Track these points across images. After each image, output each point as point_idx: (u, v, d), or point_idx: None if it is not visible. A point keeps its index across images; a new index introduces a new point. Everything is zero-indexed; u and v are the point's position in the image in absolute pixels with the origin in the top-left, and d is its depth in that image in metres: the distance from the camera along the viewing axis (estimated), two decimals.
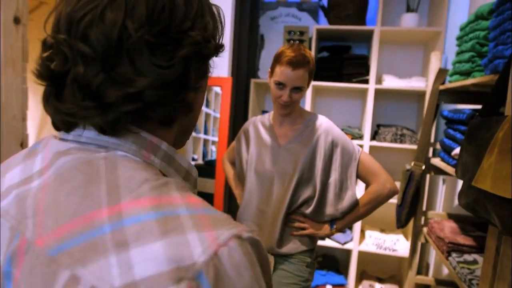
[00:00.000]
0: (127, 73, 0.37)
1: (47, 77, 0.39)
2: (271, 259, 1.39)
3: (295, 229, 1.38)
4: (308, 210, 1.36)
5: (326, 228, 1.39)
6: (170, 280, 0.30)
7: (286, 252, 1.37)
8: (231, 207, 2.45)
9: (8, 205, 0.40)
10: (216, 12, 0.47)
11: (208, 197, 2.32)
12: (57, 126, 0.43)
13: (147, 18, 0.38)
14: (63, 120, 0.41)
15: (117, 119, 0.39)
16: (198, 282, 0.31)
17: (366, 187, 1.40)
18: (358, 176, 1.38)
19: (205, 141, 3.00)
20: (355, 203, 1.36)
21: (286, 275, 1.37)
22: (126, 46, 0.37)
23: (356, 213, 1.37)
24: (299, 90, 1.32)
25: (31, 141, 1.27)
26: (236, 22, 2.35)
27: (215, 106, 2.93)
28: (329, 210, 1.36)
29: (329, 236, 1.40)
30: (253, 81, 2.64)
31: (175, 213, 0.34)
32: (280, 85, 1.31)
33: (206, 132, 2.98)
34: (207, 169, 2.76)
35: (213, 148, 3.05)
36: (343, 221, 1.38)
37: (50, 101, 0.40)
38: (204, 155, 3.01)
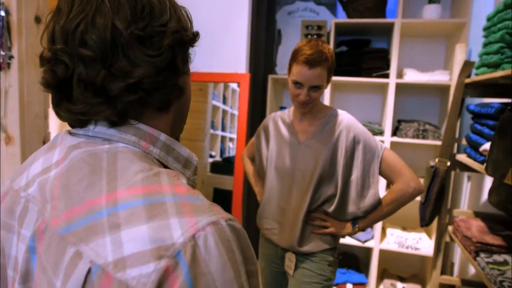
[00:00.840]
0: (124, 66, 0.43)
1: (54, 85, 0.45)
2: (293, 257, 1.37)
3: (317, 227, 1.35)
4: (331, 209, 1.33)
5: (348, 227, 1.35)
6: (152, 256, 0.35)
7: (307, 251, 1.34)
8: (250, 204, 2.44)
9: (34, 191, 0.47)
10: (182, 9, 0.53)
11: (226, 194, 2.31)
12: (72, 125, 0.49)
13: (132, 17, 0.44)
14: (77, 119, 0.46)
15: (125, 109, 0.45)
16: (176, 260, 0.35)
17: (388, 186, 1.36)
18: (381, 174, 1.33)
19: (223, 138, 3.00)
20: (378, 202, 1.31)
21: (308, 274, 1.35)
22: (119, 43, 0.43)
23: (379, 212, 1.32)
24: (317, 88, 1.28)
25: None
26: (253, 17, 2.32)
27: (232, 103, 2.92)
28: (351, 208, 1.33)
29: (351, 235, 1.37)
30: (270, 77, 2.61)
31: (162, 200, 0.39)
32: (297, 84, 1.28)
33: (223, 129, 2.97)
34: (225, 166, 2.75)
35: (231, 145, 3.04)
36: (366, 220, 1.34)
37: (63, 105, 0.46)
38: (222, 152, 3.01)
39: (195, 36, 0.52)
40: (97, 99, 0.43)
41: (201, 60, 2.33)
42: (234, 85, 2.72)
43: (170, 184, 0.41)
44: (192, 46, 0.52)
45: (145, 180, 0.41)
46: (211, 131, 2.89)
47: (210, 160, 2.83)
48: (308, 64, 1.23)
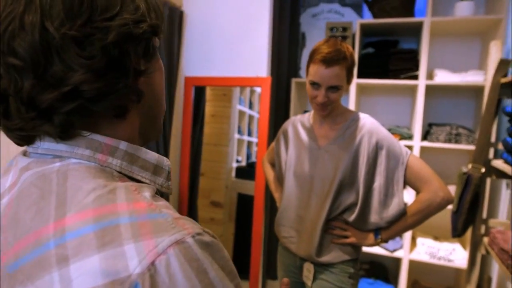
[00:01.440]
0: (58, 72, 0.37)
1: None
2: (311, 268, 1.31)
3: (336, 236, 1.29)
4: (351, 218, 1.26)
5: (370, 237, 1.28)
6: None
7: (327, 261, 1.28)
8: (273, 209, 2.39)
9: None
10: None
11: (250, 199, 2.27)
12: (17, 143, 0.43)
13: (66, 15, 0.36)
14: (18, 136, 0.41)
15: (65, 122, 0.38)
16: None
17: (416, 194, 1.27)
18: (407, 182, 1.25)
19: (249, 143, 2.98)
20: (402, 212, 1.23)
21: (326, 286, 1.28)
22: (53, 46, 0.36)
23: (403, 223, 1.23)
24: (336, 89, 1.21)
25: None
26: (275, 21, 2.29)
27: (259, 108, 2.90)
28: (373, 218, 1.25)
29: (373, 246, 1.29)
30: (294, 80, 2.57)
31: (116, 223, 0.34)
32: (314, 85, 1.22)
33: (249, 134, 2.95)
34: (249, 171, 2.72)
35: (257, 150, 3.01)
36: (389, 231, 1.26)
37: (2, 122, 0.40)
38: (248, 157, 2.98)
39: (154, 28, 0.43)
40: (30, 113, 0.38)
41: (222, 64, 2.32)
42: (260, 90, 2.70)
43: (128, 201, 0.36)
44: (157, 36, 0.45)
45: (97, 201, 0.36)
46: (238, 136, 2.88)
47: (235, 165, 2.82)
48: (325, 63, 1.17)
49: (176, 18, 2.17)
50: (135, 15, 0.40)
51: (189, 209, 2.46)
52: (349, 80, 1.25)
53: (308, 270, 1.31)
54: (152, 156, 0.46)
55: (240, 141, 2.91)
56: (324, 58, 1.17)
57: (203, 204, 2.63)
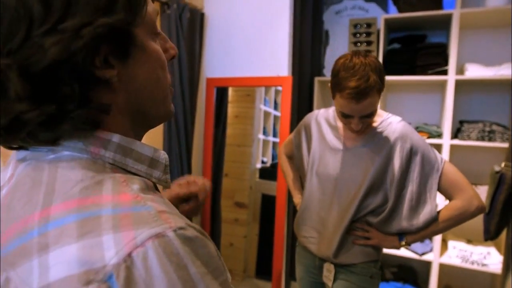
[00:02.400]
0: (5, 102, 0.35)
1: None
2: (331, 268, 1.28)
3: (358, 237, 1.25)
4: (375, 220, 1.22)
5: (394, 239, 1.23)
6: (80, 282, 0.30)
7: (348, 262, 1.25)
8: (296, 209, 2.36)
9: None
10: None
11: (274, 200, 2.26)
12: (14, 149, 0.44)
13: (5, 39, 0.34)
14: (8, 148, 0.42)
15: (43, 137, 0.38)
16: (108, 284, 0.30)
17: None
18: (440, 189, 1.20)
19: (274, 144, 2.96)
20: (433, 220, 1.18)
21: (348, 286, 1.25)
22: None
23: (433, 228, 1.20)
24: (370, 115, 1.16)
25: None
26: (297, 19, 2.26)
27: None
28: (401, 224, 1.20)
29: (396, 249, 1.24)
30: (317, 79, 2.53)
31: (98, 214, 0.34)
32: (346, 116, 1.17)
33: (275, 135, 2.94)
34: (273, 171, 2.71)
35: None
36: (416, 235, 1.21)
37: None
38: (274, 157, 2.97)
39: (112, 25, 0.37)
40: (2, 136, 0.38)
41: (243, 65, 2.32)
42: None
43: (114, 192, 0.36)
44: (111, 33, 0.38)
45: (83, 191, 0.35)
46: (263, 137, 2.87)
47: (259, 166, 2.81)
48: (356, 99, 1.09)
49: (197, 20, 2.20)
50: (80, 17, 0.35)
51: (212, 209, 2.48)
52: (380, 95, 1.15)
53: (328, 270, 1.28)
54: (148, 149, 0.45)
55: (265, 142, 2.90)
56: (353, 95, 1.08)
57: (227, 204, 2.64)
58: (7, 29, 0.34)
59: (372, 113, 1.15)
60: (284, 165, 1.58)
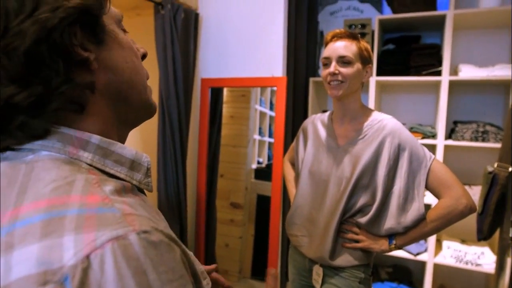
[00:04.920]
0: None
1: None
2: (320, 271, 1.27)
3: (348, 240, 1.24)
4: (364, 220, 1.21)
5: (383, 242, 1.22)
6: (36, 282, 0.30)
7: (337, 265, 1.24)
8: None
9: None
10: None
11: (269, 201, 2.26)
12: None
13: None
14: None
15: (24, 133, 0.39)
16: (64, 286, 0.30)
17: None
18: (428, 187, 1.19)
19: (270, 144, 2.96)
20: (421, 218, 1.17)
21: None
22: None
23: (421, 229, 1.17)
24: (347, 64, 1.19)
25: None
26: (291, 20, 2.26)
27: None
28: (390, 222, 1.19)
29: (386, 252, 1.23)
30: (312, 79, 2.53)
31: (63, 214, 0.33)
32: (326, 63, 1.24)
33: (271, 135, 2.94)
34: (269, 172, 2.71)
35: None
36: (405, 237, 1.20)
37: None
38: (269, 158, 2.97)
39: (81, 7, 0.40)
40: None
41: (238, 65, 2.32)
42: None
43: (83, 193, 0.36)
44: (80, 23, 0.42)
45: (54, 191, 0.36)
46: (259, 137, 2.87)
47: (254, 166, 2.81)
48: (335, 37, 1.22)
49: (192, 20, 2.19)
50: (53, 2, 0.38)
51: (207, 210, 2.47)
52: (364, 64, 1.22)
53: (317, 273, 1.28)
54: (129, 151, 0.46)
55: (261, 142, 2.89)
56: (334, 34, 1.23)
57: (223, 205, 2.64)
58: None
59: (349, 63, 1.20)
60: (286, 171, 1.59)
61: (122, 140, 0.50)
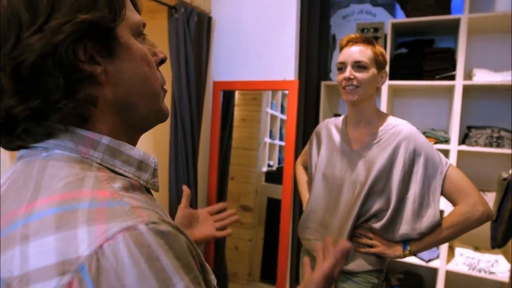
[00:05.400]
0: None
1: None
2: None
3: (361, 245, 1.24)
4: (378, 225, 1.20)
5: (397, 248, 1.21)
6: (56, 272, 0.32)
7: (350, 270, 1.23)
8: (301, 213, 2.35)
9: None
10: None
11: (280, 204, 2.26)
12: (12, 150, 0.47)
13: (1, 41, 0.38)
14: (6, 148, 0.45)
15: (32, 136, 0.42)
16: (81, 275, 0.32)
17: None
18: (444, 193, 1.17)
19: (281, 147, 2.96)
20: (437, 224, 1.15)
21: None
22: None
23: (436, 235, 1.16)
24: (363, 68, 1.19)
25: None
26: (303, 23, 2.27)
27: None
28: (404, 228, 1.18)
29: (400, 258, 1.22)
30: (323, 83, 2.53)
31: (75, 208, 0.35)
32: (341, 68, 1.23)
33: (281, 139, 2.94)
34: (279, 175, 2.71)
35: None
36: (420, 243, 1.18)
37: None
38: (280, 161, 2.97)
39: (91, 22, 0.41)
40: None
41: (250, 68, 2.33)
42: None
43: (93, 188, 0.38)
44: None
45: (66, 187, 0.38)
46: (269, 140, 2.87)
47: (265, 169, 2.81)
48: (350, 42, 1.22)
49: (205, 24, 2.21)
50: (62, 16, 0.39)
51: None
52: (379, 68, 1.22)
53: None
54: (136, 152, 0.48)
55: (272, 145, 2.90)
56: (349, 39, 1.23)
57: (233, 208, 2.63)
58: (1, 36, 0.38)
59: (364, 67, 1.19)
60: (299, 175, 1.59)
61: (133, 143, 0.51)
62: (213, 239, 0.94)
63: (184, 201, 0.91)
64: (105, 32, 0.43)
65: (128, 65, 0.46)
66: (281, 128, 2.92)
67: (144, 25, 0.50)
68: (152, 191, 0.53)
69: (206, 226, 0.94)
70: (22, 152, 0.45)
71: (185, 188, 0.92)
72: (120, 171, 0.45)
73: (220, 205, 0.95)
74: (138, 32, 0.49)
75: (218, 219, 0.96)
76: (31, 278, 0.33)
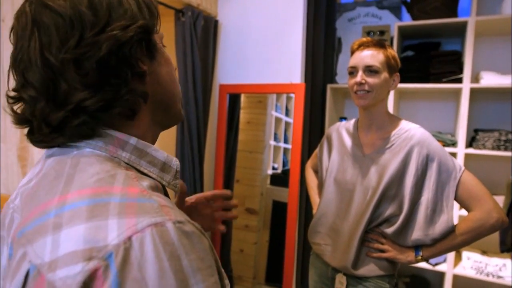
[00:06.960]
0: (63, 93, 0.42)
1: (23, 122, 0.46)
2: (343, 280, 1.26)
3: (373, 250, 1.23)
4: (390, 230, 1.19)
5: (410, 254, 1.20)
6: (82, 257, 0.34)
7: (361, 274, 1.22)
8: (308, 216, 2.35)
9: (18, 202, 0.47)
10: None
11: (285, 207, 2.25)
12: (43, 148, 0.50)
13: (61, 40, 0.42)
14: (41, 146, 0.48)
15: (76, 134, 0.44)
16: (107, 262, 0.34)
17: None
18: (457, 199, 1.16)
19: (285, 150, 2.96)
20: (450, 230, 1.14)
21: None
22: (56, 71, 0.42)
23: (450, 242, 1.15)
24: (374, 72, 1.18)
25: None
26: (309, 26, 2.27)
27: None
28: (417, 234, 1.17)
29: (412, 263, 1.21)
30: (329, 86, 2.52)
31: (107, 201, 0.38)
32: (352, 72, 1.22)
33: (286, 141, 2.94)
34: (284, 178, 2.71)
35: None
36: (433, 249, 1.17)
37: (28, 136, 0.47)
38: (284, 164, 2.97)
39: (145, 27, 0.47)
40: (45, 130, 0.44)
41: (256, 72, 2.34)
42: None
43: (124, 185, 0.40)
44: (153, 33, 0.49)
45: (98, 182, 0.40)
46: (274, 143, 2.87)
47: (270, 172, 2.81)
48: (362, 46, 1.20)
49: (211, 27, 2.22)
50: (123, 20, 0.44)
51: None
52: (391, 73, 1.21)
53: (340, 282, 1.27)
54: (161, 154, 0.50)
55: (276, 148, 2.90)
56: (361, 43, 1.21)
57: (238, 210, 2.64)
58: (64, 33, 0.42)
59: (376, 72, 1.18)
60: (309, 178, 1.58)
61: (155, 140, 0.55)
62: (210, 231, 0.93)
63: (177, 197, 0.89)
64: (150, 37, 0.48)
65: (164, 68, 0.52)
66: (285, 131, 2.92)
67: (163, 37, 0.55)
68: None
69: (204, 218, 0.92)
70: (52, 150, 0.47)
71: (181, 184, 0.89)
72: (145, 171, 0.48)
73: (224, 191, 0.92)
74: (161, 40, 0.54)
75: (218, 208, 0.94)
76: (59, 263, 0.34)
